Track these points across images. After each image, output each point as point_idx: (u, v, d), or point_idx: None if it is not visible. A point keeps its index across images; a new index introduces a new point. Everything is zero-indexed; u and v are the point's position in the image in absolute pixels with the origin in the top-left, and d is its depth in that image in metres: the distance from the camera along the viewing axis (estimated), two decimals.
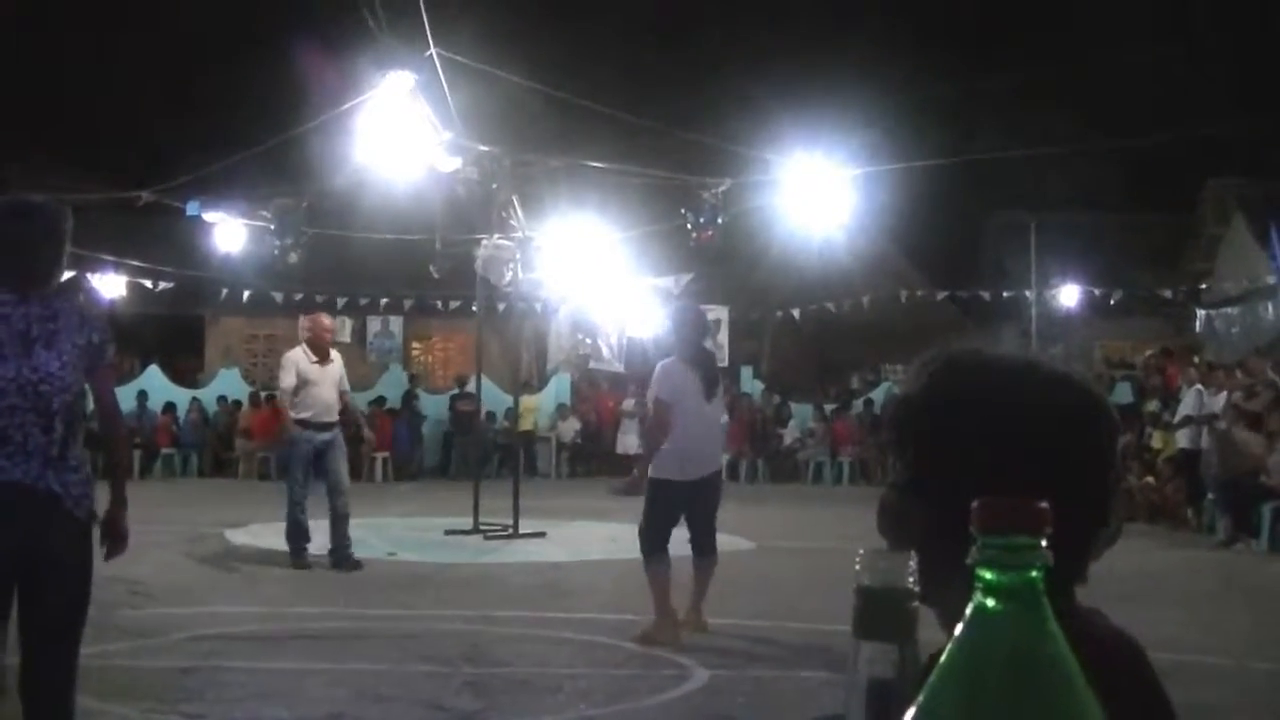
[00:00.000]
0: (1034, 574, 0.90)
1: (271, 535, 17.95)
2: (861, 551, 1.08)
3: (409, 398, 33.65)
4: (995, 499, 0.93)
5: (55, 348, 5.36)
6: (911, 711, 0.92)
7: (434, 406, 34.08)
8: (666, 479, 11.13)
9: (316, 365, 14.84)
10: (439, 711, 8.47)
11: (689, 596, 11.36)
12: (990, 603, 0.90)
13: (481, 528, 18.11)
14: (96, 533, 5.68)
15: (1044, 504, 0.93)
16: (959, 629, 0.92)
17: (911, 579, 1.05)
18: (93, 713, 7.94)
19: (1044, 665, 0.88)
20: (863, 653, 1.06)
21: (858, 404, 34.15)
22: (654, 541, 11.13)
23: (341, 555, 14.76)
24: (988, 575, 0.91)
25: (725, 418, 12.15)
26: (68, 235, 5.64)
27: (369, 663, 10.00)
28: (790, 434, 32.86)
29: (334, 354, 15.15)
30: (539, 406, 33.18)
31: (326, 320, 15.68)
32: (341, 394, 15.16)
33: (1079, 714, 0.87)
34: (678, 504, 11.22)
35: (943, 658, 0.92)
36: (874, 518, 1.93)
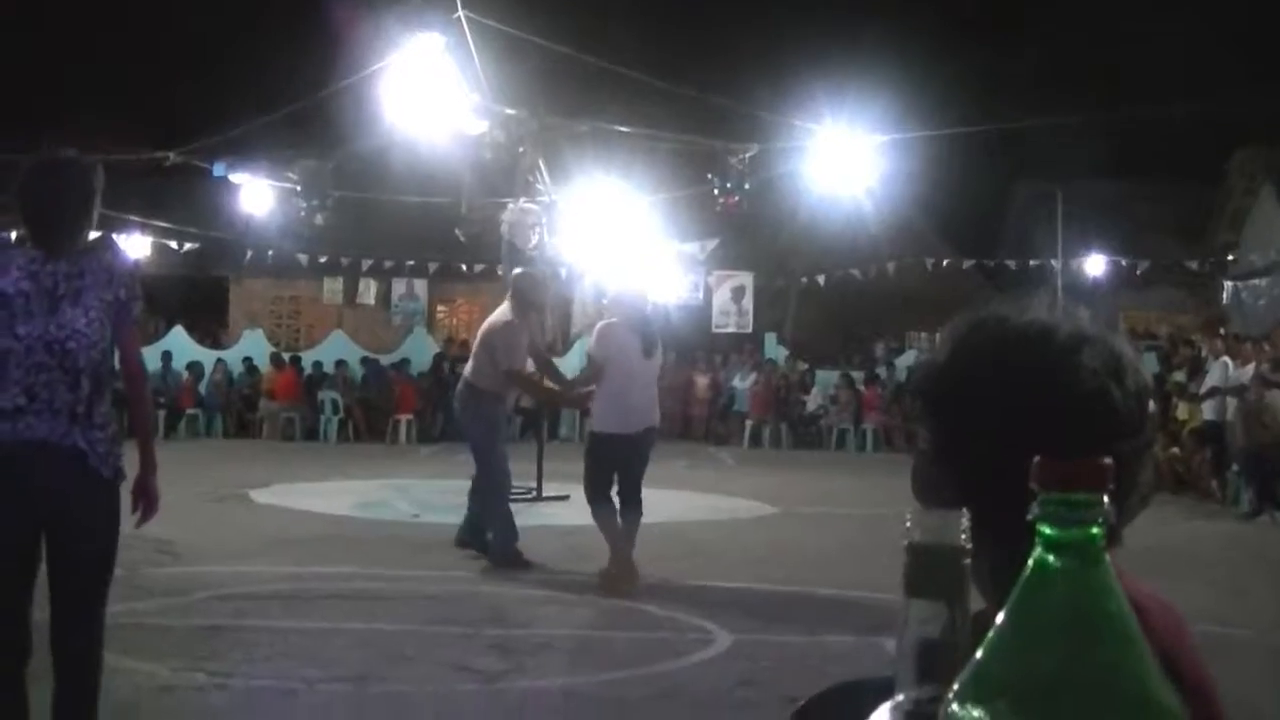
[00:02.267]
0: (1094, 530, 0.90)
1: (296, 496, 18.04)
2: (913, 509, 1.07)
3: (440, 361, 33.68)
4: (1056, 455, 0.92)
5: (81, 304, 5.31)
6: (969, 668, 0.92)
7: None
8: (610, 433, 11.72)
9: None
10: (464, 672, 8.50)
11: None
12: (1051, 559, 0.90)
13: None
14: (125, 493, 5.64)
15: (1106, 460, 0.93)
16: (1018, 585, 0.92)
17: (964, 536, 1.04)
18: (119, 670, 7.98)
19: (1105, 621, 0.88)
20: (912, 610, 1.06)
21: (881, 371, 34.08)
22: (600, 490, 11.73)
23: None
24: (1048, 531, 0.90)
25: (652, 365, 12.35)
26: (98, 192, 5.57)
27: (394, 623, 10.04)
28: (814, 401, 32.80)
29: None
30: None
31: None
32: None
33: (1140, 670, 0.87)
34: (618, 456, 11.75)
35: (1001, 614, 0.92)
36: (896, 484, 1.93)
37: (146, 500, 5.71)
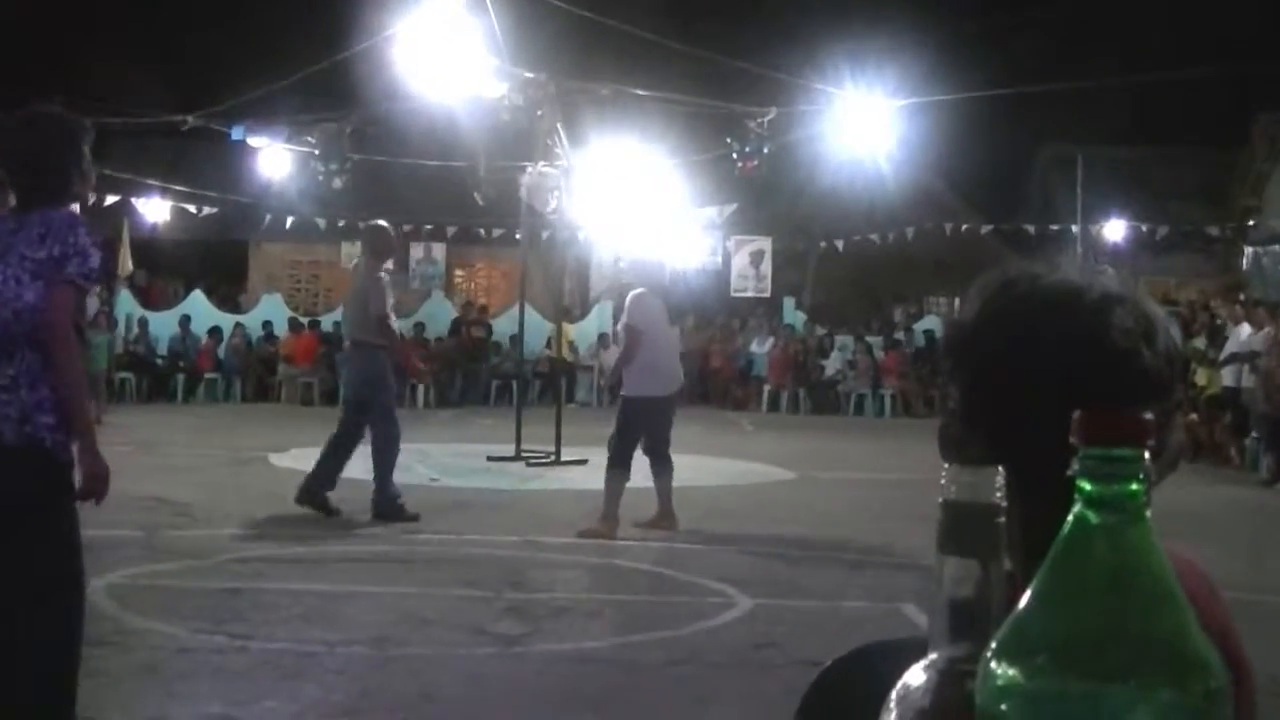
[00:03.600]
0: (1135, 486, 0.88)
1: (314, 459, 18.05)
2: (948, 466, 1.06)
3: (459, 325, 33.75)
4: (1098, 409, 0.91)
5: (4, 261, 5.00)
6: (1008, 625, 0.91)
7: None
8: (647, 395, 12.45)
9: None
10: (481, 635, 8.52)
11: (657, 503, 12.71)
12: (1091, 515, 0.88)
13: (524, 455, 18.17)
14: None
15: (1148, 415, 0.91)
16: (1057, 542, 0.90)
17: (999, 494, 1.03)
18: (139, 631, 8.02)
19: (1147, 578, 0.87)
20: (946, 569, 1.04)
21: (900, 336, 34.06)
22: (623, 455, 12.45)
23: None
24: (1088, 487, 0.89)
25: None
26: (73, 147, 5.25)
27: (412, 587, 10.06)
28: (832, 365, 32.80)
29: None
30: (576, 335, 33.09)
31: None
32: None
33: (1182, 627, 0.86)
34: (651, 418, 12.49)
35: (1040, 571, 0.90)
36: (914, 450, 1.92)
37: (83, 476, 5.13)
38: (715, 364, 33.41)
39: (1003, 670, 0.87)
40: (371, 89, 22.69)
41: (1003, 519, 1.03)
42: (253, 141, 24.18)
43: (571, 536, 12.26)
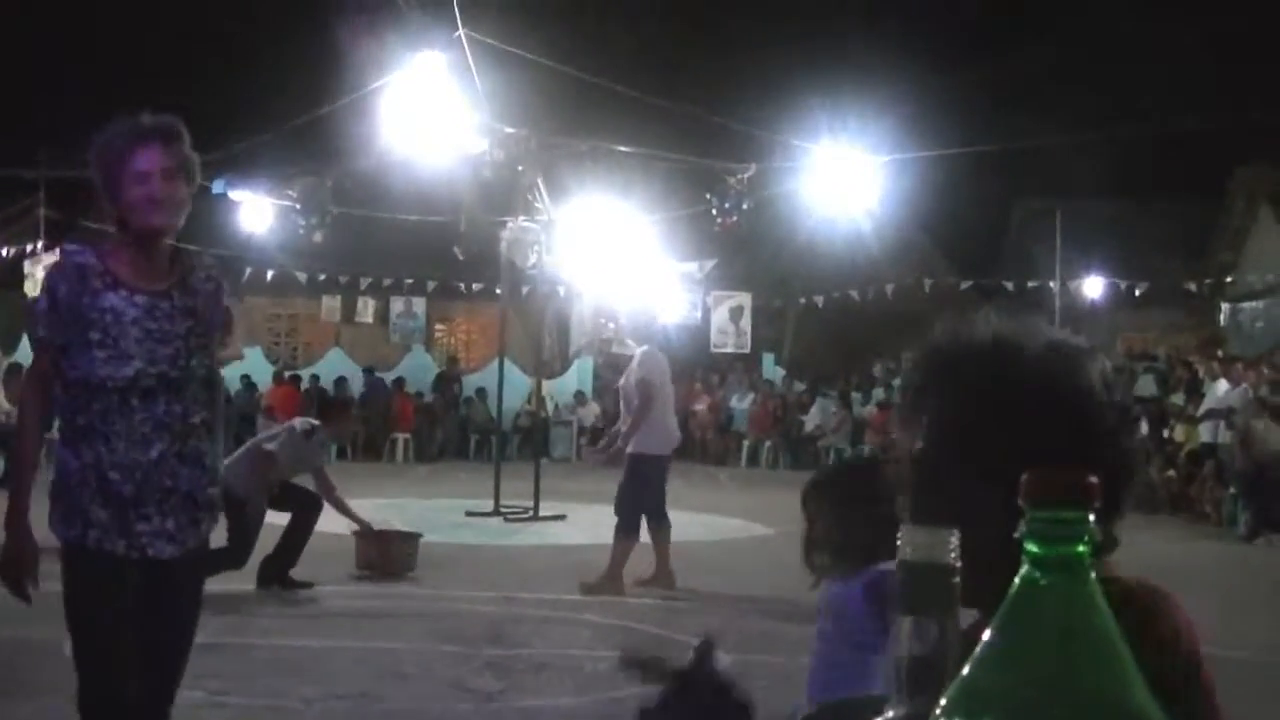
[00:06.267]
0: (1080, 548, 0.91)
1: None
2: (904, 527, 1.09)
3: (445, 381, 33.77)
4: (1044, 472, 0.93)
5: None
6: (958, 683, 0.93)
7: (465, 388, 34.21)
8: (657, 454, 12.43)
9: None
10: (461, 691, 8.50)
11: (655, 561, 12.54)
12: (1038, 576, 0.91)
13: (502, 510, 18.14)
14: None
15: (1092, 478, 0.94)
16: (1005, 601, 0.93)
17: (953, 554, 1.06)
18: None
19: (1092, 638, 0.89)
20: (904, 627, 1.07)
21: (878, 392, 34.07)
22: (637, 516, 12.33)
23: None
24: (1035, 549, 0.91)
25: None
26: None
27: (392, 642, 10.04)
28: (811, 421, 32.81)
29: None
30: (553, 389, 33.08)
31: None
32: None
33: (1126, 685, 0.89)
34: (658, 476, 12.48)
35: (988, 631, 0.93)
36: None
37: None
38: (697, 419, 33.40)
39: None
40: (353, 143, 22.74)
41: (957, 579, 1.06)
42: (234, 195, 24.17)
43: (547, 592, 12.26)
